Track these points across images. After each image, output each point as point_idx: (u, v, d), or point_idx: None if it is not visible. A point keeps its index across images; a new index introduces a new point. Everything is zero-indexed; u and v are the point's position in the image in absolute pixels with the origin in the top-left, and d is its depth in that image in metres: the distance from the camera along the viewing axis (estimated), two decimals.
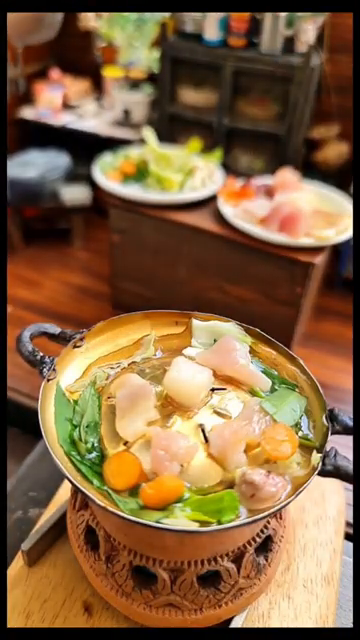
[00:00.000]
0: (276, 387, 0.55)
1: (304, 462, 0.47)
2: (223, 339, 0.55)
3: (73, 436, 0.47)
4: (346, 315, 2.23)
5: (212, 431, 0.47)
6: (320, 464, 0.46)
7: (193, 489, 0.44)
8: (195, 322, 0.61)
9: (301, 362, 0.57)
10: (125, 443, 0.46)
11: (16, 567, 0.60)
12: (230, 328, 0.60)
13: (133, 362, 0.56)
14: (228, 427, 0.47)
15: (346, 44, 2.16)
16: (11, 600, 0.57)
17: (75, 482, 0.42)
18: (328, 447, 0.48)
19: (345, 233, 1.62)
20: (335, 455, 0.47)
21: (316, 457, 0.47)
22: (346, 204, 1.75)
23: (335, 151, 2.29)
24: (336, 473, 0.46)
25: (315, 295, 2.06)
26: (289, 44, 2.07)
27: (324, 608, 0.58)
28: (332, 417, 0.51)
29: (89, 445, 0.46)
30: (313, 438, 0.49)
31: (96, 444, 0.46)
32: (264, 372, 0.56)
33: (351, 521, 0.70)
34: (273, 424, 0.49)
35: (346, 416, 0.51)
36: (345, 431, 0.50)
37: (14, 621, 0.55)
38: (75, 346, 0.55)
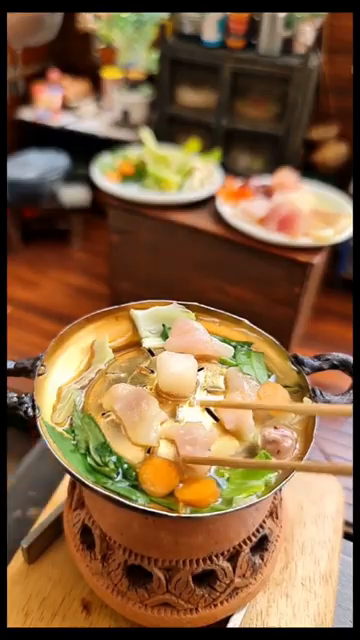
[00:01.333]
0: (235, 351, 0.57)
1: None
2: (178, 322, 0.55)
3: (90, 464, 0.45)
4: (345, 316, 2.23)
5: (218, 409, 0.49)
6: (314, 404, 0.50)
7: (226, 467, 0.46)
8: (136, 312, 0.60)
9: (247, 322, 0.59)
10: (148, 450, 0.46)
11: (15, 566, 0.60)
12: (173, 309, 0.60)
13: (99, 370, 0.55)
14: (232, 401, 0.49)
15: (344, 45, 2.17)
16: (10, 598, 0.57)
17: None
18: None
19: (344, 233, 1.62)
20: (321, 393, 0.51)
21: (308, 401, 0.50)
22: (345, 204, 1.75)
23: (334, 152, 2.29)
24: None
25: (314, 295, 2.07)
26: (287, 45, 2.07)
27: (322, 606, 0.58)
28: (298, 361, 0.54)
29: (111, 466, 0.45)
30: (291, 384, 0.53)
31: (115, 461, 0.45)
32: (221, 340, 0.58)
33: (350, 520, 0.71)
34: (261, 384, 0.52)
35: (308, 358, 0.54)
36: (313, 370, 0.54)
37: (13, 619, 0.55)
38: (40, 374, 0.52)
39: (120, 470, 0.45)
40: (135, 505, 0.41)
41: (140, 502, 0.42)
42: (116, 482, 0.44)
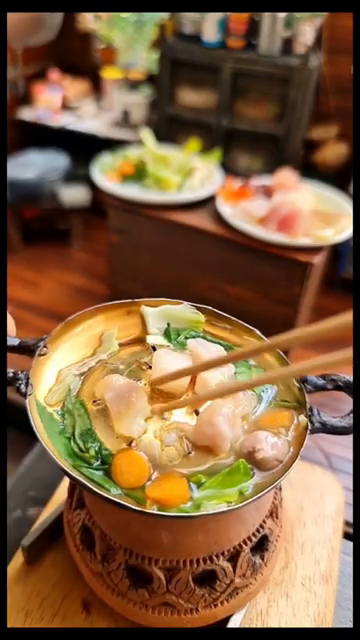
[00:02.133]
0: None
1: (290, 426, 0.50)
2: (189, 345, 0.55)
3: (72, 448, 0.46)
4: None
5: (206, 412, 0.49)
6: (309, 423, 0.49)
7: (203, 472, 0.45)
8: (146, 309, 0.60)
9: (257, 332, 0.58)
10: (130, 443, 0.46)
11: (15, 565, 0.60)
12: (182, 309, 0.60)
13: (100, 360, 0.55)
14: (223, 406, 0.48)
15: (344, 45, 2.17)
16: (10, 598, 0.57)
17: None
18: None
19: (343, 233, 1.62)
20: (318, 412, 0.50)
21: (303, 419, 0.49)
22: (344, 204, 1.75)
23: (334, 152, 2.29)
24: (324, 428, 0.49)
25: (314, 295, 2.07)
26: (287, 45, 2.07)
27: (322, 606, 0.58)
28: (302, 378, 0.53)
29: (92, 452, 0.45)
30: (291, 400, 0.52)
31: (97, 449, 0.46)
32: (225, 347, 0.57)
33: (350, 520, 0.71)
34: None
35: (312, 376, 0.53)
36: (316, 389, 0.53)
37: (13, 619, 0.55)
38: (40, 354, 0.52)
39: (99, 457, 0.45)
40: (103, 493, 0.41)
41: (112, 492, 0.42)
42: (93, 469, 0.44)
